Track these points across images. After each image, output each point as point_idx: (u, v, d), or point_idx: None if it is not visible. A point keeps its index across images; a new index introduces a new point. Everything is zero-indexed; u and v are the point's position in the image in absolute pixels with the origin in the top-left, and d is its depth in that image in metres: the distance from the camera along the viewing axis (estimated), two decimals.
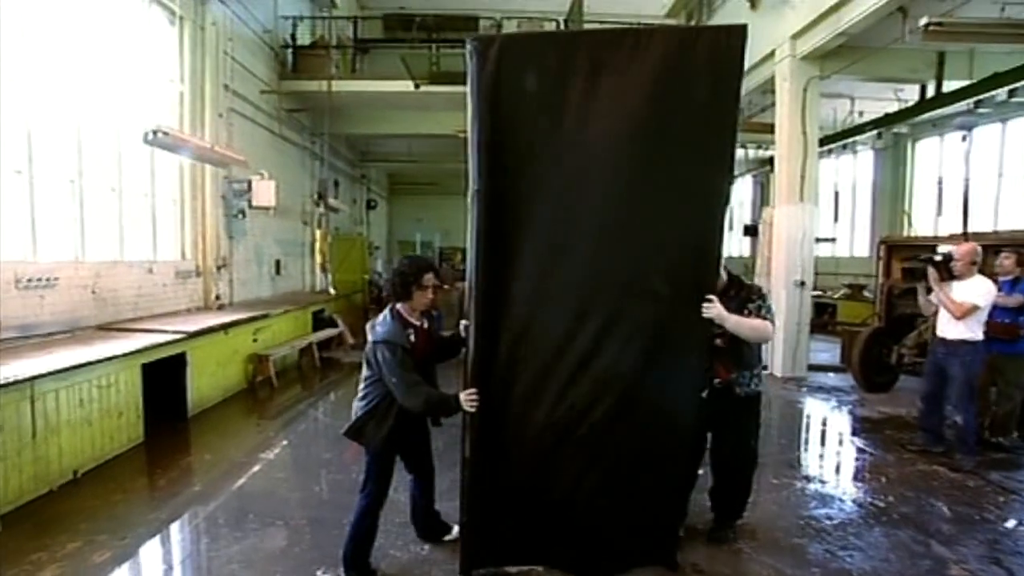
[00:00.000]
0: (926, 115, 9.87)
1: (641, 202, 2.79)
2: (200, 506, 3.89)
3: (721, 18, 10.38)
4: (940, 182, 12.56)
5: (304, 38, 10.45)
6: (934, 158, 12.99)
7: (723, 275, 3.07)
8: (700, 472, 3.40)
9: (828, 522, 3.72)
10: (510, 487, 2.88)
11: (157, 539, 3.48)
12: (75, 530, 3.45)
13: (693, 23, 11.35)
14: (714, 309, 2.81)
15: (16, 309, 4.70)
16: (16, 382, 3.67)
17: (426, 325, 2.97)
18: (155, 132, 5.69)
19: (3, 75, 4.70)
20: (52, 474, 3.98)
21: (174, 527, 3.63)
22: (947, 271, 4.66)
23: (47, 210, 5.16)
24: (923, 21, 6.07)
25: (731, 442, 3.32)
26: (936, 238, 9.43)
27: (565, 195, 2.79)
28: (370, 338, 2.84)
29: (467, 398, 2.71)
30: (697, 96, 2.72)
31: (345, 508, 3.68)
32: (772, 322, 3.15)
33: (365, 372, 2.91)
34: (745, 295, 3.15)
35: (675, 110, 2.74)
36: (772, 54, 8.32)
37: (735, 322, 2.96)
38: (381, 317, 2.88)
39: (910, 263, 7.15)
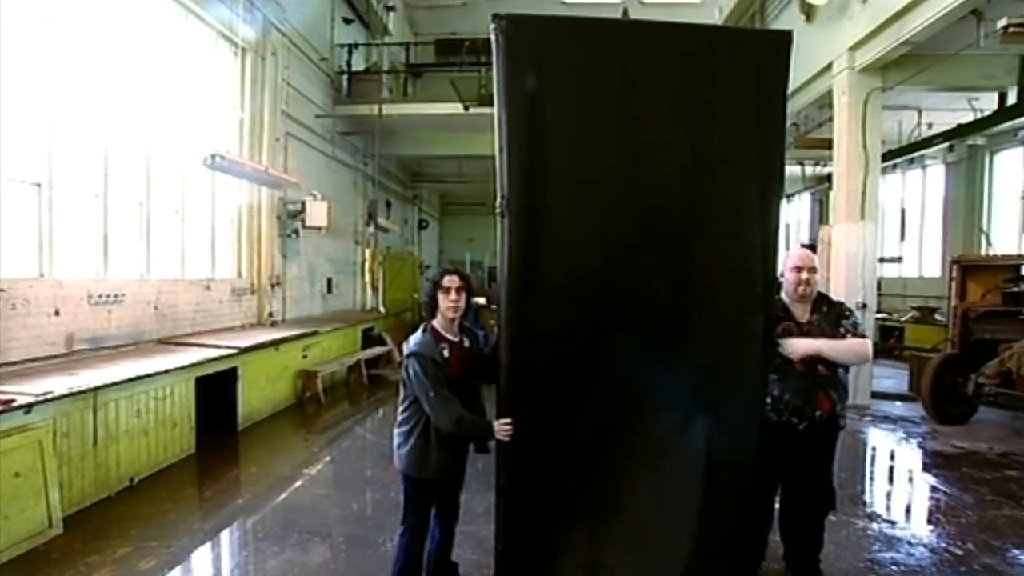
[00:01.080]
0: (1007, 124, 9.19)
1: (690, 212, 2.66)
2: (244, 518, 3.99)
3: None
4: None
5: (359, 64, 10.91)
6: (1016, 171, 12.02)
7: (814, 288, 2.92)
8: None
9: (895, 568, 3.40)
10: (547, 516, 2.70)
11: (201, 549, 3.58)
12: (127, 536, 3.61)
13: None
14: (800, 346, 2.68)
15: (88, 323, 5.03)
16: (81, 392, 3.90)
17: (468, 343, 2.77)
18: (214, 156, 6.02)
19: (85, 109, 5.13)
20: (111, 480, 4.19)
21: (218, 538, 3.74)
22: None
23: (118, 230, 5.54)
24: (1002, 23, 5.68)
25: (815, 479, 3.01)
26: (1020, 257, 8.70)
27: (606, 205, 2.61)
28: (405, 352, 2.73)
29: (501, 427, 2.52)
30: (744, 97, 2.60)
31: (383, 527, 3.70)
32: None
33: (403, 392, 2.77)
34: (838, 310, 2.96)
35: (721, 112, 2.61)
36: (829, 67, 7.99)
37: (830, 347, 2.79)
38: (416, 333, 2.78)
39: (1011, 286, 6.59)
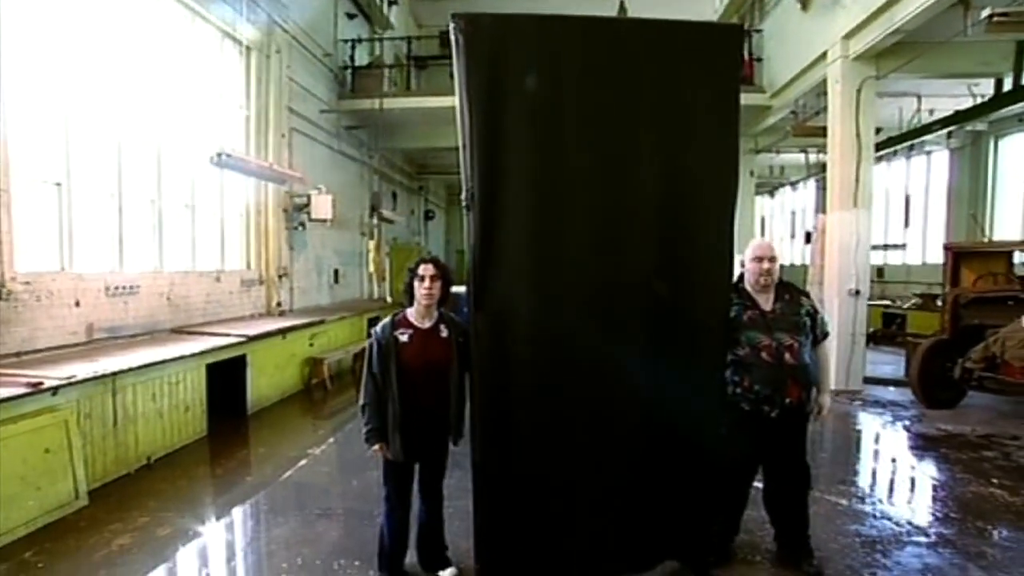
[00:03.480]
0: (1008, 110, 9.18)
1: (650, 200, 2.83)
2: (251, 493, 4.30)
3: (772, 21, 10.10)
4: None
5: (362, 58, 11.11)
6: (1022, 156, 11.95)
7: (775, 277, 3.08)
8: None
9: (857, 539, 3.60)
10: (522, 490, 2.88)
11: (212, 520, 3.91)
12: (146, 507, 3.94)
13: (747, 27, 11.12)
14: (826, 407, 3.13)
15: (106, 313, 5.37)
16: (102, 376, 4.23)
17: (446, 333, 2.84)
18: (220, 155, 6.30)
19: (99, 111, 5.42)
20: (130, 459, 4.53)
21: (229, 510, 4.06)
22: None
23: (132, 226, 5.87)
24: (986, 13, 5.73)
25: (792, 462, 3.17)
26: (1011, 243, 8.72)
27: (569, 194, 2.76)
28: None
29: (375, 448, 2.80)
30: (699, 88, 2.77)
31: (376, 500, 3.97)
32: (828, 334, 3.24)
33: None
34: (797, 299, 3.12)
35: (678, 104, 2.78)
36: (824, 55, 8.03)
37: (828, 388, 3.19)
38: None
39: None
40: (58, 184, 5.01)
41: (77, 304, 5.05)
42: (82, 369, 4.18)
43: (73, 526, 3.65)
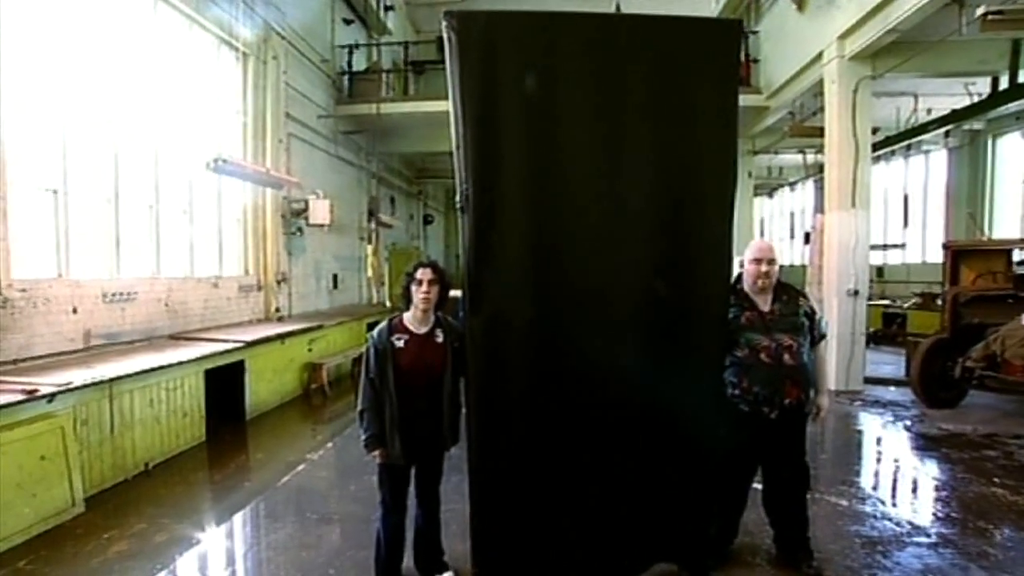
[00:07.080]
0: (1005, 108, 9.18)
1: (647, 199, 2.78)
2: (249, 499, 4.28)
3: (769, 21, 10.13)
4: None
5: (360, 63, 11.14)
6: (1019, 154, 11.95)
7: (774, 278, 3.05)
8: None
9: (856, 540, 3.58)
10: (519, 493, 2.86)
11: (211, 525, 3.89)
12: (143, 513, 3.93)
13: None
14: (824, 407, 3.13)
15: (103, 320, 5.36)
16: (98, 382, 4.22)
17: (441, 338, 2.81)
18: (216, 160, 6.30)
19: (97, 118, 5.43)
20: (128, 465, 4.52)
21: (226, 515, 4.03)
22: None
23: (129, 232, 5.86)
24: (980, 11, 5.74)
25: (791, 462, 3.14)
26: (1010, 241, 8.71)
27: (565, 192, 2.72)
28: None
29: (375, 453, 2.78)
30: (696, 85, 2.74)
31: (374, 505, 3.96)
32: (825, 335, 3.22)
33: None
34: (795, 299, 3.10)
35: (675, 101, 2.74)
36: (820, 56, 8.05)
37: (826, 388, 3.20)
38: None
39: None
40: (55, 191, 5.01)
41: (74, 311, 5.04)
42: (79, 376, 4.17)
43: (70, 533, 3.64)
